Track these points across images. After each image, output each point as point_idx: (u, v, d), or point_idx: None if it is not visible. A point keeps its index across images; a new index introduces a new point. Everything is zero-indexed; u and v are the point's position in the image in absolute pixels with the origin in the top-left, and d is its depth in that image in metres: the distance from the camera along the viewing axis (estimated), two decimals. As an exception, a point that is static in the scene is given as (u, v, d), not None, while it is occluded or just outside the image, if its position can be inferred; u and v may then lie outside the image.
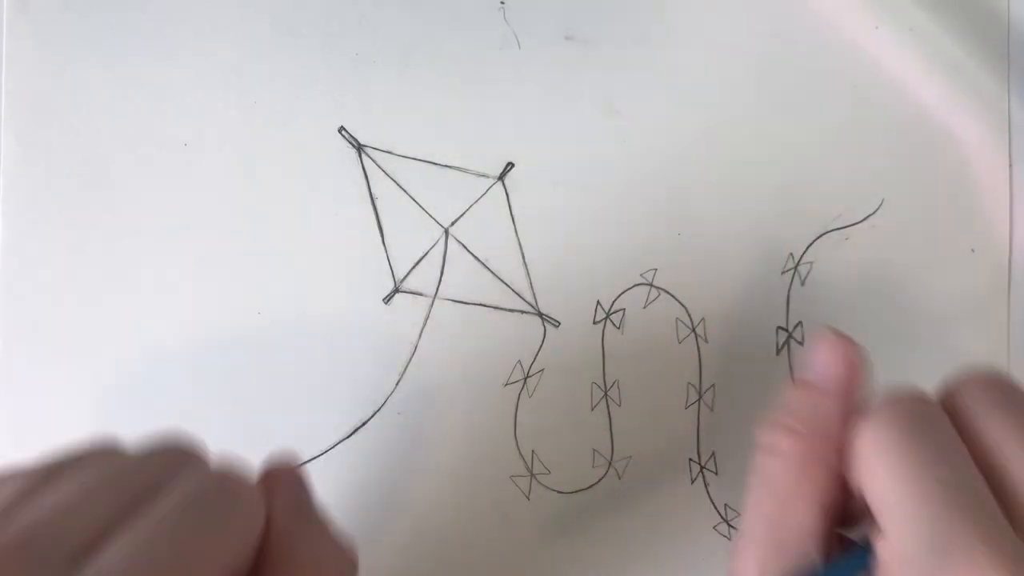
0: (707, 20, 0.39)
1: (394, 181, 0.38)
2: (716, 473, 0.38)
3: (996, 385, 0.23)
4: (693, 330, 0.38)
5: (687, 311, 0.38)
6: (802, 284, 0.38)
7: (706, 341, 0.38)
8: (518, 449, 0.38)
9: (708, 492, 0.38)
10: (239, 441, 0.37)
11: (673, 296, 0.38)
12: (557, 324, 0.38)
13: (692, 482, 0.38)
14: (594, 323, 0.38)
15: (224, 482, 0.22)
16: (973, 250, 0.39)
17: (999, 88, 0.39)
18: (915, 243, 0.39)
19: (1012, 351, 0.38)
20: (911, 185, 0.39)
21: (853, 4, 0.39)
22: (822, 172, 0.38)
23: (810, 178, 0.38)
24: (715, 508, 0.38)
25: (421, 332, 0.38)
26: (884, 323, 0.38)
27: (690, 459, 0.38)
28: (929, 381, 0.24)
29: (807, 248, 0.38)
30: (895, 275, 0.39)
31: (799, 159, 0.38)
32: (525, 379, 0.38)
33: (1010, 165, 0.39)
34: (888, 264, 0.39)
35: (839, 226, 0.38)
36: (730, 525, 0.38)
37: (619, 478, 0.38)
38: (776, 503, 0.23)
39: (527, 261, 0.38)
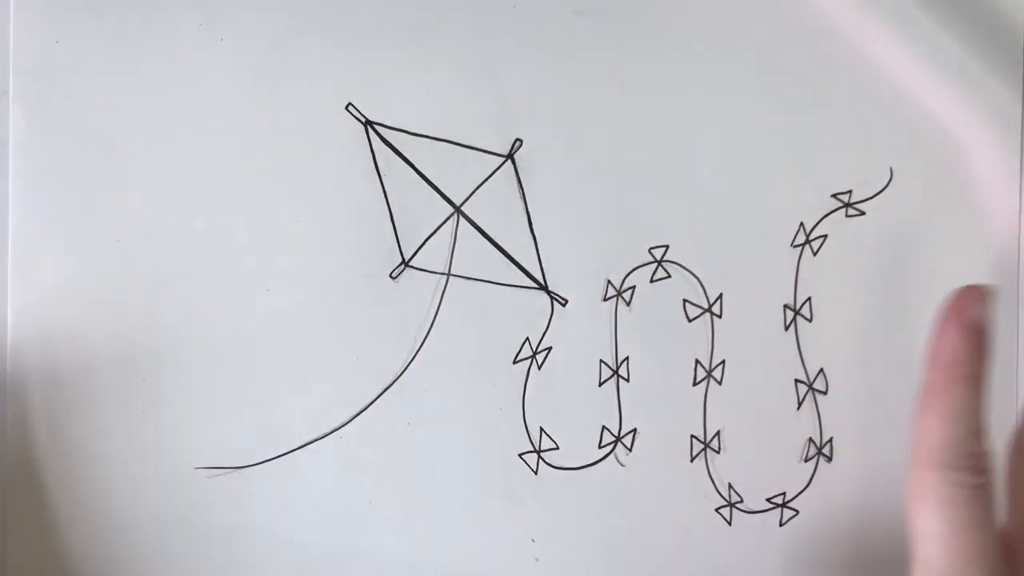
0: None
1: (403, 158, 0.38)
2: (718, 452, 0.38)
3: None
4: (709, 308, 0.38)
5: (702, 286, 0.38)
6: (814, 255, 0.38)
7: (719, 317, 0.38)
8: (526, 426, 0.38)
9: (709, 471, 0.38)
10: (249, 419, 0.38)
11: (689, 271, 0.38)
12: (564, 302, 0.38)
13: (692, 460, 0.38)
14: (604, 300, 0.38)
15: None
16: (982, 250, 0.38)
17: (1009, 87, 0.38)
18: (924, 244, 0.38)
19: (1020, 350, 0.38)
20: (920, 186, 0.38)
21: (864, 7, 0.38)
22: (831, 161, 0.38)
23: (820, 154, 0.38)
24: (715, 488, 0.38)
25: (437, 309, 0.38)
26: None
27: (692, 436, 0.38)
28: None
29: (819, 221, 0.38)
30: (903, 271, 0.38)
31: (808, 139, 0.38)
32: (534, 356, 0.38)
33: (1021, 165, 0.38)
34: (897, 262, 0.38)
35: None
36: (733, 507, 0.38)
37: (628, 454, 0.38)
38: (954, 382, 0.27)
39: (537, 239, 0.38)
